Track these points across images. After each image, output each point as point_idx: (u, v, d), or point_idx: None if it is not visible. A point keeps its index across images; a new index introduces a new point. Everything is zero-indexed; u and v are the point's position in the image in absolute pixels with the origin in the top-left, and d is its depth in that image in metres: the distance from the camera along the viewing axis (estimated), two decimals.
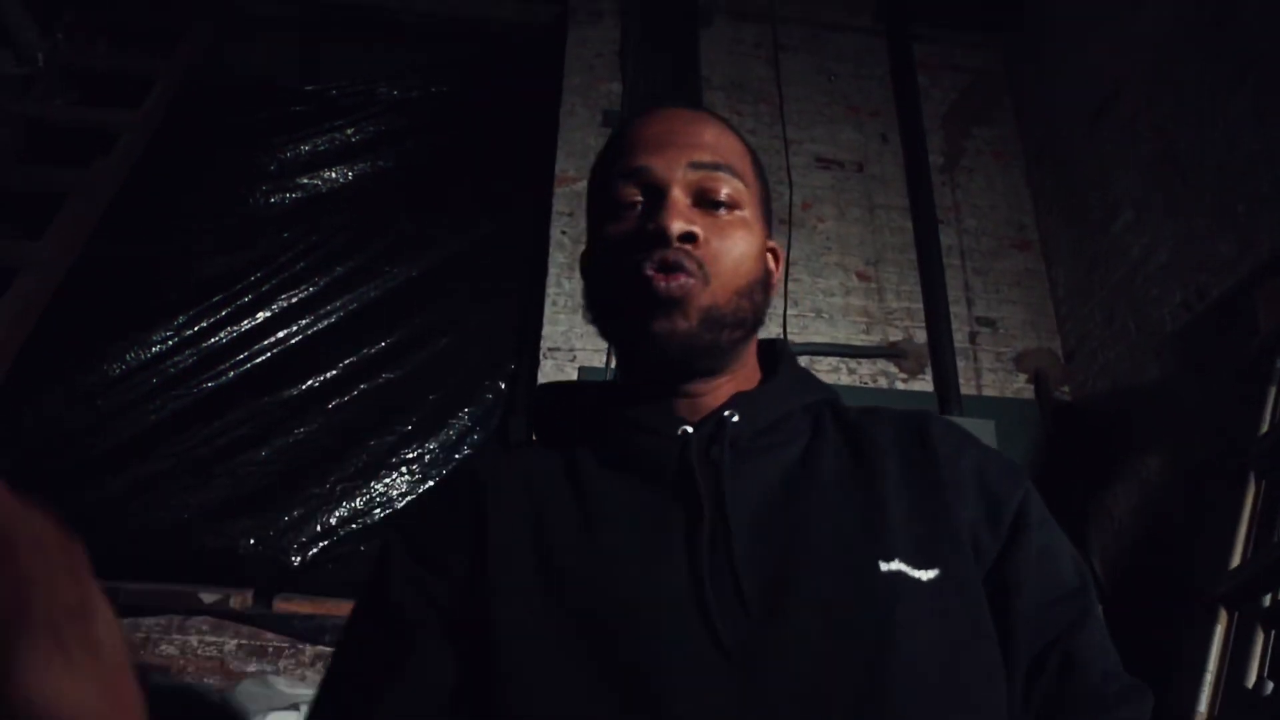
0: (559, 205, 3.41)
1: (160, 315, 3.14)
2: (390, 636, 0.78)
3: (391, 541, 0.85)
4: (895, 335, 3.39)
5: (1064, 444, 3.24)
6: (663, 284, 0.82)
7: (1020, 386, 3.37)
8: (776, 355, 0.97)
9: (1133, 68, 3.16)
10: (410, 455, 3.08)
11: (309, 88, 3.57)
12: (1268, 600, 1.83)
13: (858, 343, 3.36)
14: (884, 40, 3.86)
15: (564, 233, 3.38)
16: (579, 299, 3.20)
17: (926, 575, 0.75)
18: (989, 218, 3.65)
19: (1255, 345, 2.28)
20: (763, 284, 0.91)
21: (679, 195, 0.86)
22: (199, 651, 2.75)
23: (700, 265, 0.83)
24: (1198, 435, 2.65)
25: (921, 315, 3.41)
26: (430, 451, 3.10)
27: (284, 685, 2.54)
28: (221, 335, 3.16)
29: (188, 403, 3.06)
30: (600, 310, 0.91)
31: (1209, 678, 1.82)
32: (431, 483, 3.05)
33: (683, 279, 0.82)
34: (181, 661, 2.73)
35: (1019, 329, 3.46)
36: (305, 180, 3.44)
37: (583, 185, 3.12)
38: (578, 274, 2.92)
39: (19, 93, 3.45)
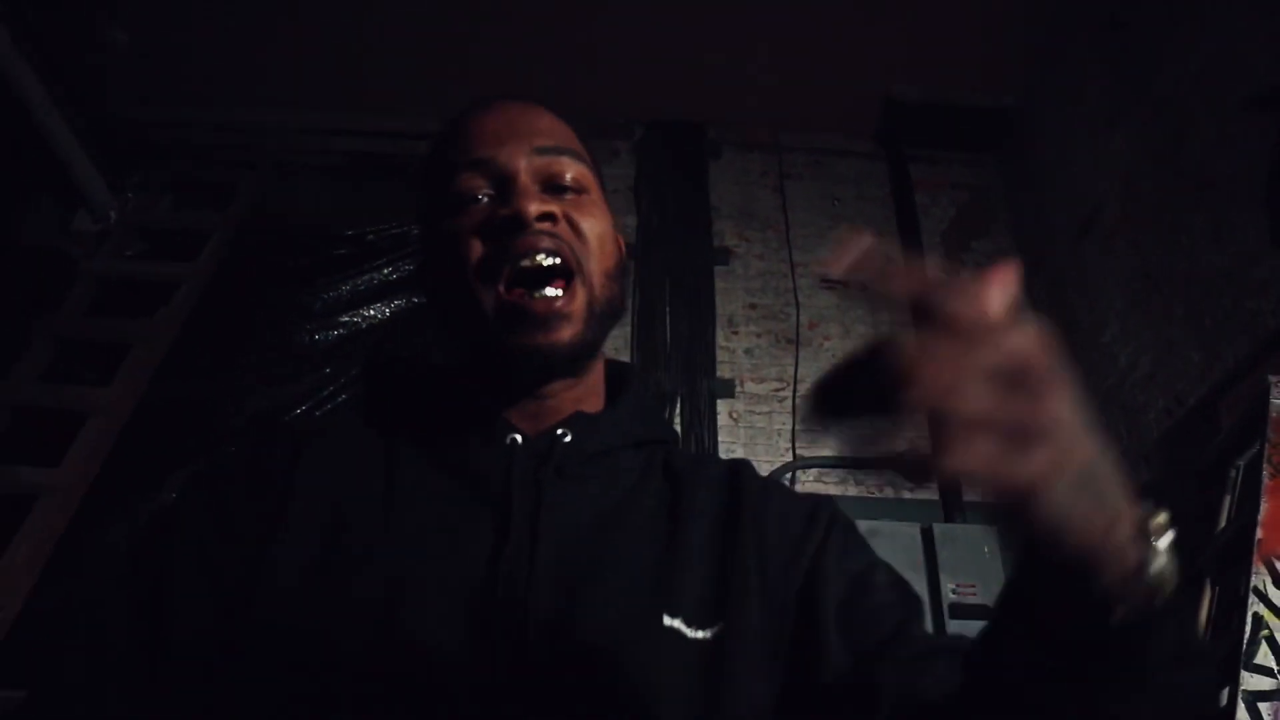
0: None
1: (213, 448, 3.52)
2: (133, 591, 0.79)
3: (189, 492, 0.86)
4: (901, 446, 3.61)
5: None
6: (541, 306, 0.82)
7: None
8: (624, 379, 0.98)
9: (1109, 187, 3.43)
10: None
11: (349, 232, 4.00)
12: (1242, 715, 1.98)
13: (865, 455, 3.57)
14: (884, 163, 4.19)
15: None
16: None
17: (703, 634, 0.77)
18: None
19: (1214, 449, 2.48)
20: (622, 269, 0.92)
21: (527, 181, 0.87)
22: None
23: (571, 250, 0.85)
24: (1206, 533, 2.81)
25: (927, 427, 3.63)
26: None
27: None
28: None
29: None
30: (440, 305, 0.92)
31: None
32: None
33: (551, 295, 0.83)
34: None
35: None
36: (345, 318, 3.84)
37: None
38: None
39: (93, 248, 3.95)
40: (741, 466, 0.94)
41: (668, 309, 3.82)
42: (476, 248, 0.85)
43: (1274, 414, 2.12)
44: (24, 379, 3.21)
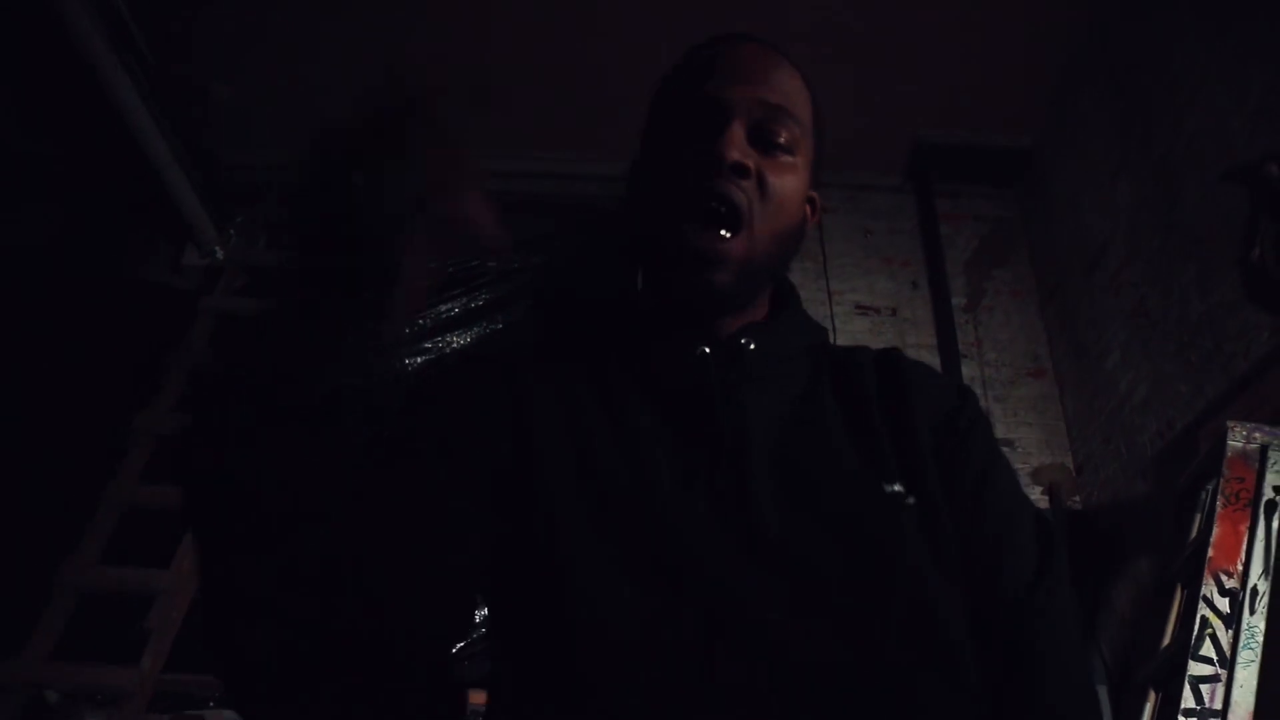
0: None
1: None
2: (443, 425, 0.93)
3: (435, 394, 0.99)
4: None
5: (1076, 547, 4.00)
6: (705, 244, 0.92)
7: (1037, 498, 4.15)
8: (786, 293, 1.10)
9: (1114, 230, 4.00)
10: None
11: (430, 264, 4.61)
12: (1188, 693, 2.58)
13: None
14: (912, 197, 4.77)
15: None
16: None
17: (912, 498, 0.91)
18: (1008, 350, 4.48)
19: (1191, 473, 3.06)
20: (798, 231, 1.03)
21: (738, 129, 0.96)
22: None
23: (747, 204, 0.94)
24: (1169, 546, 3.41)
25: None
26: None
27: None
28: None
29: None
30: (644, 223, 1.02)
31: None
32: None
33: (725, 242, 0.93)
34: None
35: (1035, 447, 4.26)
36: (429, 345, 4.46)
37: None
38: None
39: (199, 280, 4.57)
40: (895, 352, 1.07)
41: None
42: (673, 176, 0.97)
43: (1229, 454, 2.70)
44: (162, 410, 3.84)
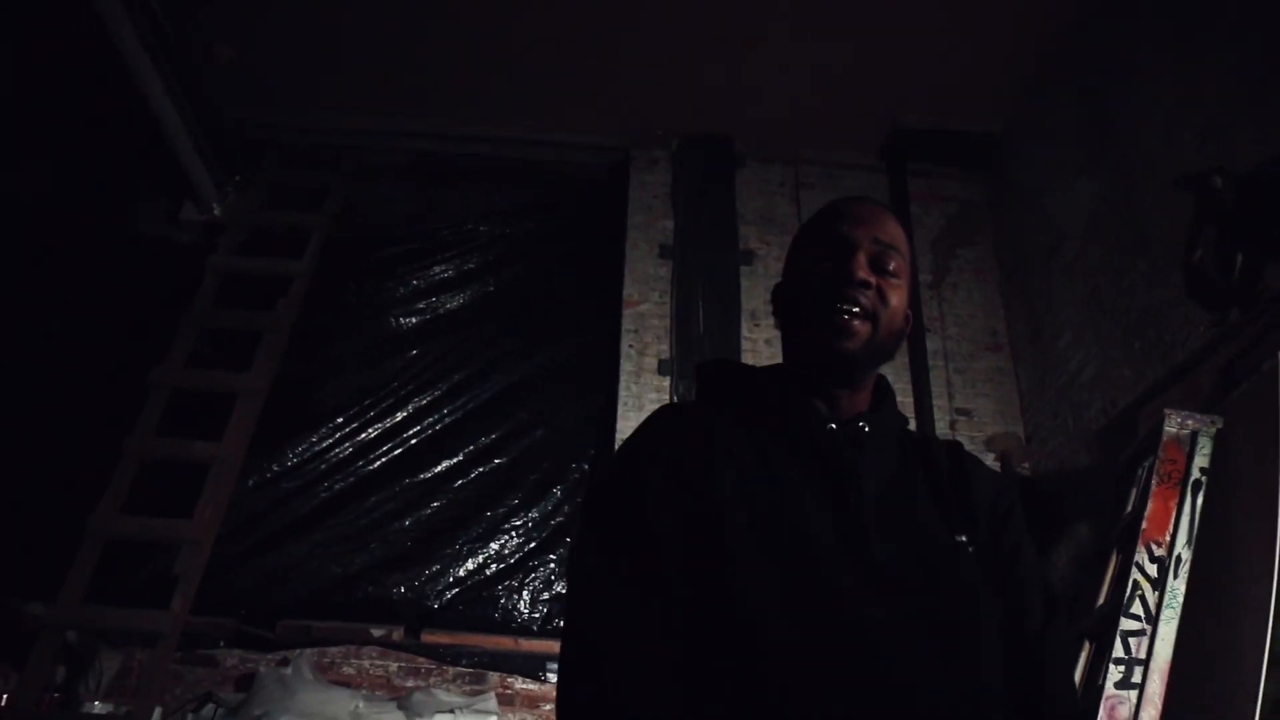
0: (627, 324, 4.71)
1: (323, 417, 4.46)
2: (644, 506, 1.24)
3: (634, 457, 1.33)
4: None
5: (1024, 511, 4.49)
6: (844, 324, 1.31)
7: (990, 465, 4.63)
8: (885, 389, 1.46)
9: (1074, 222, 4.43)
10: (518, 522, 4.39)
11: (423, 227, 4.90)
12: (1118, 645, 3.05)
13: None
14: (886, 177, 5.15)
15: (631, 346, 4.69)
16: (645, 398, 4.53)
17: (973, 547, 1.27)
18: (968, 325, 4.92)
19: (1130, 451, 3.52)
20: (901, 332, 1.40)
21: (863, 258, 1.34)
22: (370, 671, 4.06)
23: (872, 307, 1.32)
24: (1107, 516, 3.90)
25: (911, 408, 4.68)
26: (532, 519, 4.41)
27: (442, 694, 3.84)
28: (370, 431, 4.48)
29: (348, 484, 4.38)
30: (788, 321, 1.42)
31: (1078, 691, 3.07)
32: (534, 543, 4.34)
33: (858, 323, 1.31)
34: (359, 679, 4.03)
35: (989, 417, 4.73)
36: (424, 305, 4.77)
37: (645, 308, 4.50)
38: (643, 378, 4.27)
39: (198, 235, 4.80)
40: (955, 445, 1.46)
41: (701, 304, 4.79)
42: (821, 285, 1.35)
43: (1165, 437, 3.16)
44: (174, 365, 4.10)
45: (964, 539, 1.30)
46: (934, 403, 4.66)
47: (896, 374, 4.75)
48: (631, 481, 1.29)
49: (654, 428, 1.39)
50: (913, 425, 4.57)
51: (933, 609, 1.21)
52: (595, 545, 1.27)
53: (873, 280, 1.34)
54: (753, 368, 1.50)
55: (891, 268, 1.37)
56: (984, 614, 1.26)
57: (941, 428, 4.63)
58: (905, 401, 4.70)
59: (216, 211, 4.80)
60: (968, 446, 4.14)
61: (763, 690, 1.13)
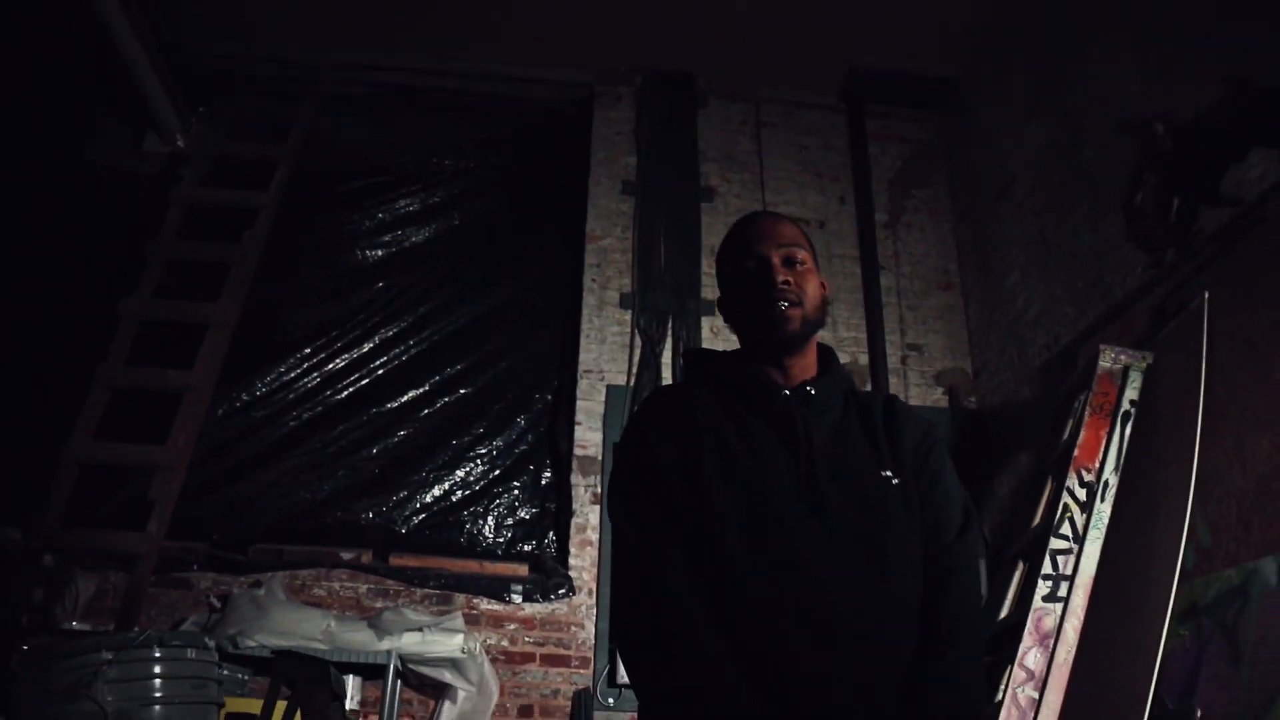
0: (589, 258, 4.85)
1: (290, 348, 4.57)
2: (656, 468, 1.65)
3: (644, 432, 1.73)
4: (844, 359, 4.88)
5: (969, 442, 4.76)
6: (782, 304, 1.69)
7: (938, 398, 4.88)
8: (829, 355, 1.85)
9: (1023, 165, 4.62)
10: (482, 450, 4.56)
11: (388, 161, 4.97)
12: (1047, 563, 3.30)
13: None
14: (845, 116, 5.29)
15: (594, 280, 4.83)
16: (607, 331, 4.69)
17: (897, 480, 1.65)
18: (921, 264, 5.12)
19: (1069, 384, 3.76)
20: (822, 302, 1.78)
21: (778, 261, 1.73)
22: (341, 593, 4.24)
23: (796, 296, 1.71)
24: (1045, 444, 4.15)
25: (865, 342, 4.90)
26: (497, 447, 4.58)
27: (411, 614, 4.03)
28: (337, 361, 4.60)
29: (316, 414, 4.51)
30: (739, 321, 1.79)
31: (1008, 604, 3.33)
32: (498, 471, 4.53)
33: (792, 310, 1.70)
34: (329, 600, 4.21)
35: (940, 352, 4.96)
36: (389, 238, 4.86)
37: (607, 242, 4.66)
38: (605, 312, 4.48)
39: (161, 166, 4.83)
40: (891, 398, 1.85)
41: (662, 240, 4.93)
42: (755, 291, 1.74)
43: (1099, 372, 3.39)
44: (143, 295, 4.18)
45: (890, 475, 1.67)
46: (887, 338, 4.87)
47: (851, 311, 4.95)
48: (643, 446, 1.73)
49: (654, 405, 1.84)
50: (865, 360, 4.84)
51: (861, 531, 1.60)
52: (625, 493, 1.74)
53: (790, 277, 1.74)
54: (724, 352, 1.89)
55: (800, 259, 1.78)
56: (902, 535, 1.62)
57: (893, 362, 4.85)
58: (859, 337, 4.91)
59: (180, 143, 4.83)
60: (918, 381, 4.37)
61: (730, 596, 1.55)
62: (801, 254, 1.78)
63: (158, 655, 1.84)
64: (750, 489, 1.62)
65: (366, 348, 4.64)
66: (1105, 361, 3.41)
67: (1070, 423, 3.60)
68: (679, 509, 1.64)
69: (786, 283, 1.72)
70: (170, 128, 4.78)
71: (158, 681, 1.80)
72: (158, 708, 1.76)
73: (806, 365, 1.78)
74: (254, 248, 4.40)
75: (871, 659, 1.52)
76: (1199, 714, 2.58)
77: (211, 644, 1.99)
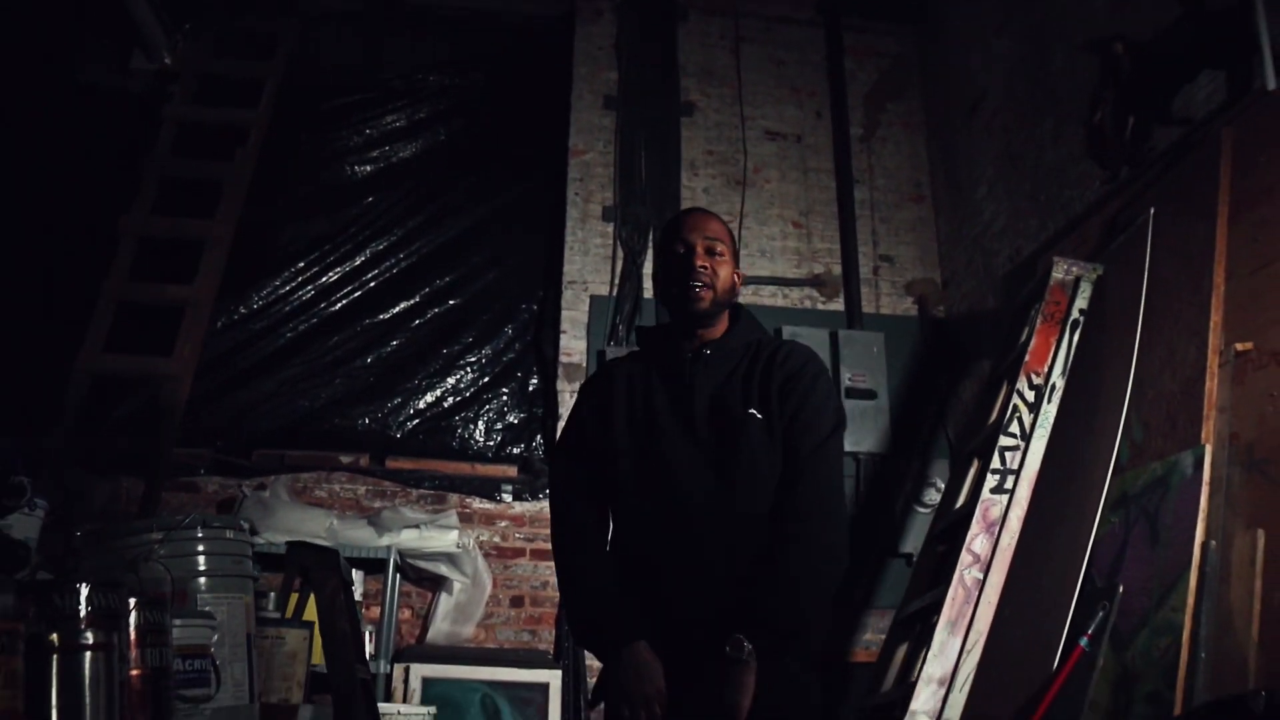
0: (572, 173, 5.05)
1: (284, 262, 4.79)
2: (580, 428, 2.19)
3: (576, 405, 2.27)
4: (818, 269, 5.13)
5: (936, 350, 5.05)
6: (695, 286, 2.06)
7: (908, 307, 5.15)
8: (738, 318, 2.20)
9: (992, 80, 4.81)
10: (472, 359, 4.83)
11: (374, 77, 5.12)
12: (996, 458, 3.61)
13: (790, 275, 5.10)
14: (823, 30, 5.44)
15: (576, 194, 5.03)
16: (591, 243, 4.93)
17: (759, 416, 2.03)
18: (894, 177, 5.34)
19: (1026, 293, 4.03)
20: (733, 287, 2.15)
21: (701, 250, 2.09)
22: (341, 494, 4.54)
23: (710, 280, 2.08)
24: (1003, 350, 4.44)
25: (839, 254, 5.15)
26: (485, 355, 4.85)
27: (408, 512, 4.34)
28: (330, 275, 4.83)
29: (311, 325, 4.75)
30: (665, 296, 2.16)
31: (962, 496, 3.66)
32: (488, 378, 4.81)
33: (703, 290, 2.07)
34: (330, 501, 4.51)
35: (910, 264, 5.22)
36: (377, 154, 5.04)
37: (590, 157, 4.90)
38: (588, 224, 4.74)
39: (148, 83, 4.97)
40: (784, 343, 2.21)
41: (643, 154, 5.13)
42: (679, 273, 2.11)
43: (1052, 282, 3.66)
44: (141, 213, 4.37)
45: (754, 411, 2.06)
46: (860, 250, 5.12)
47: (826, 223, 5.19)
48: (574, 412, 2.29)
49: (588, 381, 2.35)
50: (839, 271, 5.10)
51: (719, 458, 2.04)
52: (559, 457, 2.29)
53: (708, 264, 2.11)
54: (659, 325, 2.33)
55: (719, 251, 2.14)
56: (757, 459, 2.02)
57: (865, 273, 5.11)
58: (833, 249, 5.16)
59: (167, 60, 4.94)
60: (888, 291, 4.69)
61: (623, 513, 2.11)
62: (720, 246, 2.14)
63: (200, 535, 2.11)
64: (645, 432, 2.10)
65: (358, 261, 4.85)
66: (1058, 273, 3.68)
67: (1025, 330, 3.88)
68: (591, 456, 2.15)
69: (704, 268, 2.10)
70: (157, 45, 4.90)
71: (202, 558, 2.08)
72: (203, 580, 2.05)
73: (715, 331, 2.17)
74: (246, 165, 4.59)
75: (717, 559, 1.96)
76: (1121, 589, 2.92)
77: (246, 526, 2.27)
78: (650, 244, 4.98)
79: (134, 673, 1.51)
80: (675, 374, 2.14)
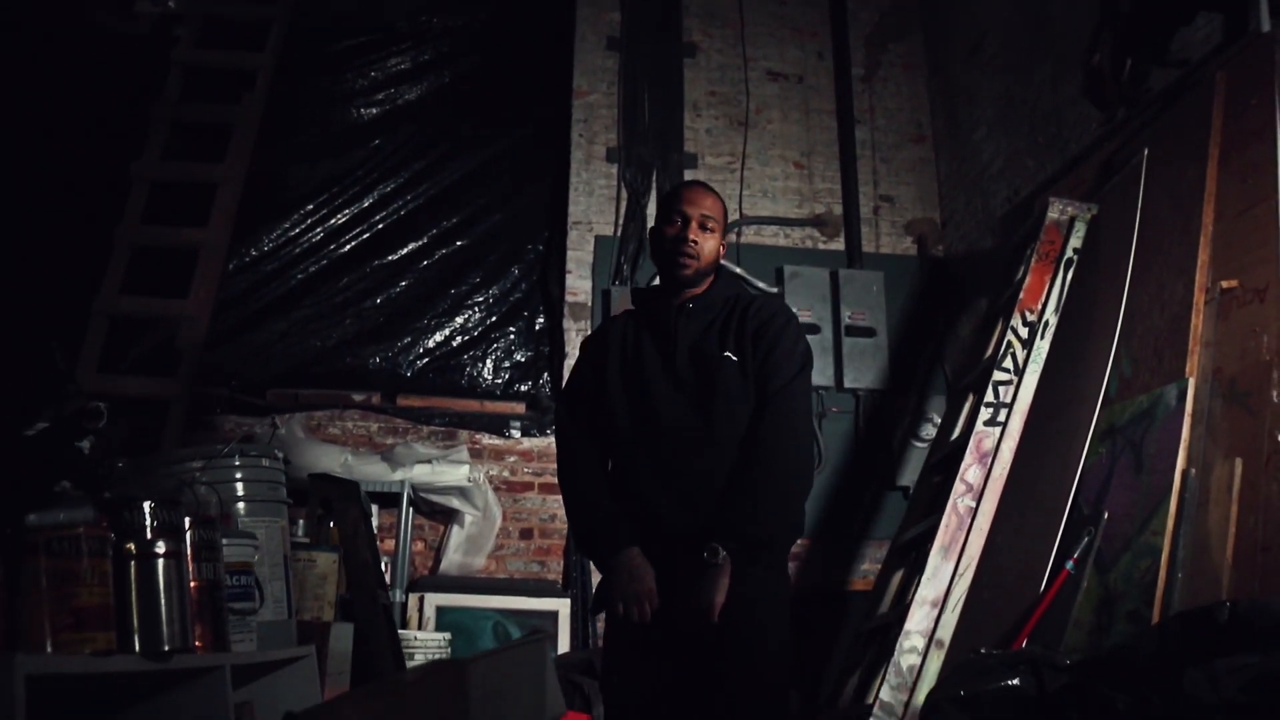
0: (576, 114, 5.13)
1: (293, 205, 4.89)
2: (580, 378, 2.53)
3: (580, 355, 2.61)
4: (819, 209, 5.24)
5: (935, 288, 5.18)
6: (683, 259, 2.39)
7: (907, 247, 5.27)
8: (720, 278, 2.52)
9: (992, 22, 4.88)
10: (479, 299, 4.95)
11: (379, 20, 5.17)
12: (990, 392, 3.76)
13: (792, 216, 5.21)
14: None
15: (580, 134, 5.12)
16: (595, 184, 5.03)
17: (735, 358, 2.36)
18: (895, 118, 5.42)
19: (1022, 233, 4.15)
20: (717, 258, 2.46)
21: (695, 224, 2.41)
22: (354, 431, 4.70)
23: (697, 252, 2.40)
24: (999, 288, 4.57)
25: (840, 194, 5.25)
26: (493, 295, 4.97)
27: (420, 448, 4.50)
28: (339, 217, 4.93)
29: (321, 266, 4.87)
30: (657, 257, 2.50)
31: (957, 429, 3.81)
32: (495, 317, 4.94)
33: (688, 260, 2.40)
34: (344, 438, 4.67)
35: (910, 204, 5.32)
36: (383, 96, 5.11)
37: (593, 98, 4.99)
38: (593, 165, 4.86)
39: (152, 26, 5.03)
40: (758, 297, 2.53)
41: (646, 95, 5.21)
42: (670, 241, 2.42)
43: (1048, 222, 3.77)
44: (152, 157, 4.47)
45: (730, 354, 2.36)
46: (860, 190, 5.22)
47: (827, 163, 5.29)
48: (577, 365, 2.60)
49: (588, 339, 2.65)
50: (840, 211, 5.21)
51: (698, 395, 2.34)
52: (560, 400, 2.70)
53: (699, 238, 2.41)
54: (651, 287, 2.69)
55: (710, 227, 2.44)
56: (731, 394, 2.32)
57: (866, 213, 5.22)
58: (834, 189, 5.26)
59: (171, 3, 5.00)
60: (888, 231, 4.86)
61: (618, 449, 2.41)
62: (712, 222, 2.45)
63: (238, 463, 2.26)
64: (635, 376, 2.42)
65: (366, 203, 4.96)
66: (1053, 213, 3.79)
67: (1021, 269, 4.00)
68: (590, 402, 2.46)
69: (694, 241, 2.40)
70: None
71: (240, 484, 2.23)
72: (242, 505, 2.20)
73: (699, 290, 2.47)
74: (255, 108, 4.67)
75: (694, 483, 2.28)
76: (1106, 516, 3.09)
77: (280, 455, 2.42)
78: (654, 185, 5.09)
79: (192, 584, 1.66)
80: (661, 325, 2.44)
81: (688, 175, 5.17)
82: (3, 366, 2.75)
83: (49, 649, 1.24)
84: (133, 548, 1.45)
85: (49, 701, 1.26)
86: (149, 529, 1.51)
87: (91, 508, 1.38)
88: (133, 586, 1.43)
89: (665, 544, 2.23)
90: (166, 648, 1.46)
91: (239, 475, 2.24)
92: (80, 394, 2.02)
